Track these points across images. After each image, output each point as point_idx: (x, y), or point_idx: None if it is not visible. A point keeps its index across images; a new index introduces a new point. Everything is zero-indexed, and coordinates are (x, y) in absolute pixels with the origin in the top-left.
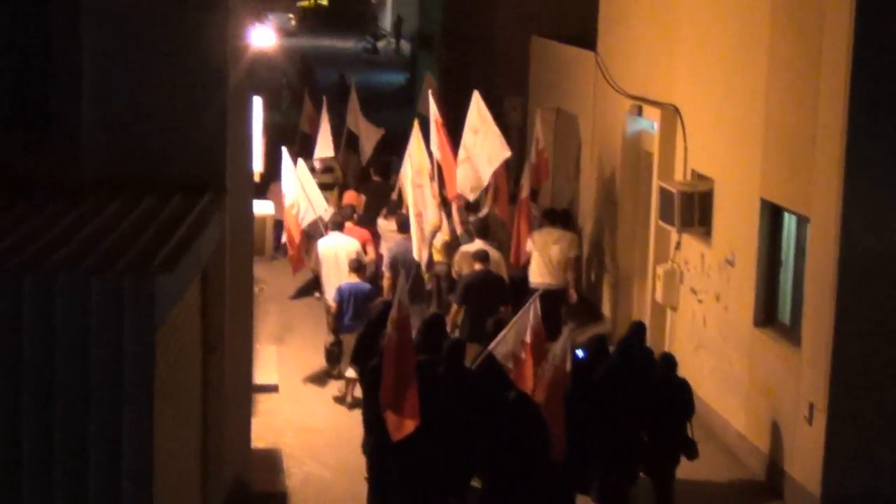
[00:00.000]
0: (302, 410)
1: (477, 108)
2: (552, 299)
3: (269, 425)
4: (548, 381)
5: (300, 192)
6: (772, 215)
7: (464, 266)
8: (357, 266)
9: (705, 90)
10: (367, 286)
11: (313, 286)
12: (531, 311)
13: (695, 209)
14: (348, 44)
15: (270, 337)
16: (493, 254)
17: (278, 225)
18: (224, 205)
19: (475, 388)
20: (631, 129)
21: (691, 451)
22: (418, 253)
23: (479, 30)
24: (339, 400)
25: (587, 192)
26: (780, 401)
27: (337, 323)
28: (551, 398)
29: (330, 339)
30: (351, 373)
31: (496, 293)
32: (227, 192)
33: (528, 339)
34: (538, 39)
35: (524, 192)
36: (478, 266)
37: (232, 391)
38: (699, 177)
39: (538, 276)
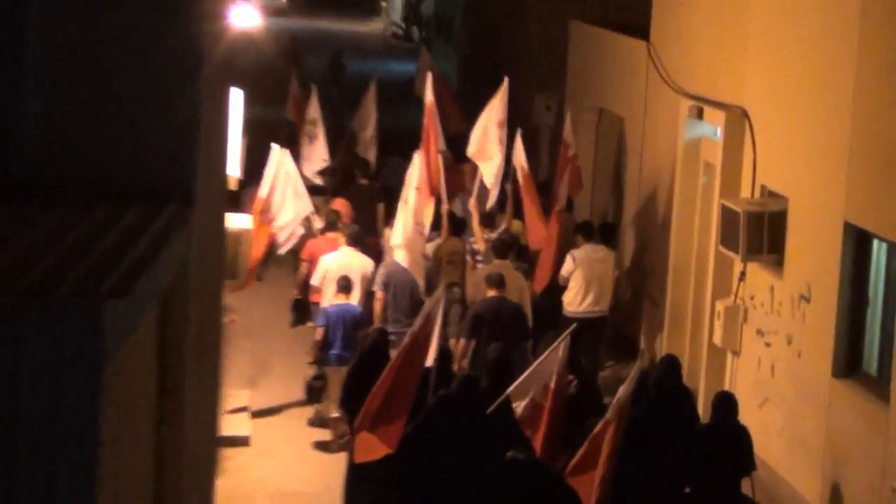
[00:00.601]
0: (278, 469)
1: (500, 98)
2: (596, 328)
3: (237, 487)
4: (614, 430)
5: (281, 189)
6: (858, 242)
7: (478, 292)
8: (345, 285)
9: (781, 91)
10: (356, 309)
11: (305, 312)
12: (560, 351)
13: (764, 233)
14: (351, 25)
15: (242, 379)
16: (514, 278)
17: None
18: (191, 218)
19: (484, 437)
20: (689, 134)
21: None
22: (410, 265)
23: (507, 13)
24: (323, 446)
25: (632, 207)
26: (863, 468)
27: (322, 353)
28: (612, 450)
29: (311, 371)
30: (335, 412)
31: (513, 326)
32: (195, 202)
33: (553, 384)
34: (578, 25)
35: (559, 205)
36: (491, 293)
37: (193, 444)
38: (770, 194)
39: (581, 303)
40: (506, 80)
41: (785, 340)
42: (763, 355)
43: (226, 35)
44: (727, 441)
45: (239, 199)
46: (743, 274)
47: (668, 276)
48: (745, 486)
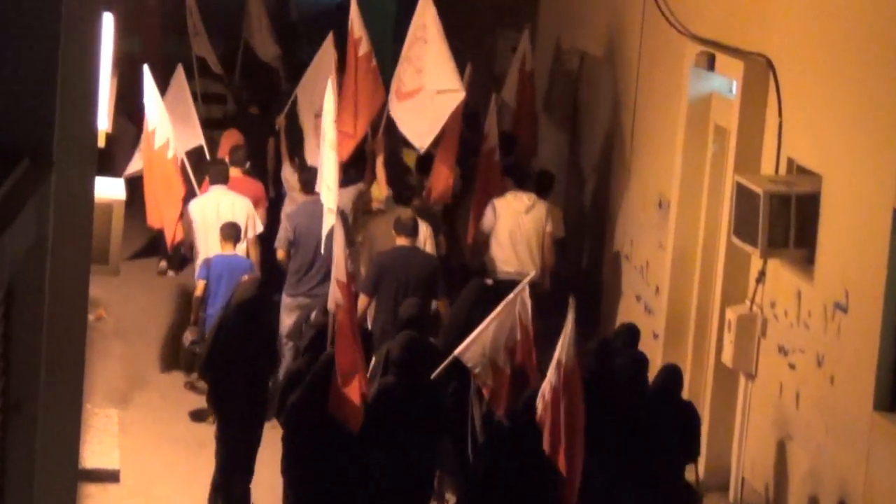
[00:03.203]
0: None
1: (425, 16)
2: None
3: None
4: (556, 396)
5: (175, 112)
6: None
7: (376, 245)
8: (232, 232)
9: (817, 36)
10: (246, 261)
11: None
12: (517, 305)
13: (791, 221)
14: None
15: (111, 394)
16: (423, 227)
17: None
18: (48, 183)
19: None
20: (696, 89)
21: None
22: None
23: None
24: (199, 416)
25: (621, 181)
26: None
27: (203, 312)
28: (567, 418)
29: (190, 334)
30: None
31: (425, 280)
32: (53, 163)
33: (513, 343)
34: None
35: (489, 143)
36: (401, 241)
37: (46, 477)
38: (800, 171)
39: (502, 260)
40: None
41: (814, 361)
42: (786, 380)
43: None
44: (671, 420)
45: (109, 157)
46: (762, 274)
47: (665, 274)
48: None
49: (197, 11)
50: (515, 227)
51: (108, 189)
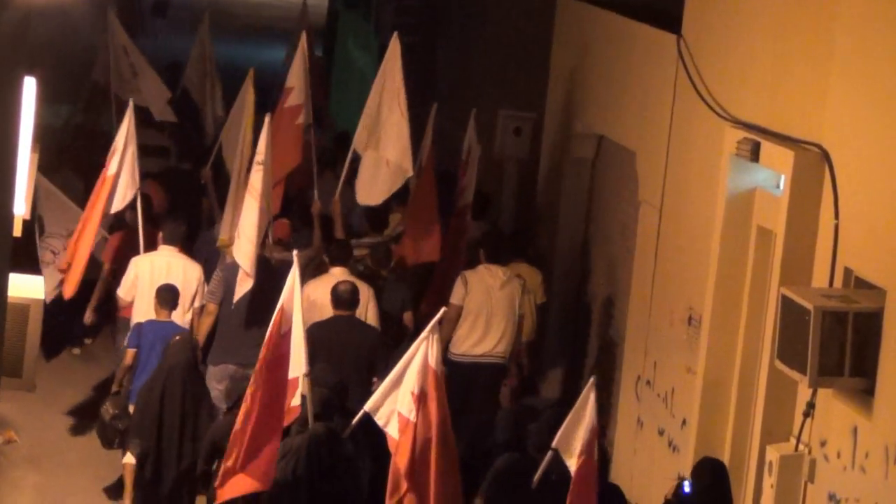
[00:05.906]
0: None
1: (392, 60)
2: (488, 377)
3: None
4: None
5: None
6: None
7: (319, 308)
8: (169, 297)
9: (882, 124)
10: (183, 329)
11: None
12: (427, 348)
13: (847, 344)
14: None
15: None
16: (364, 289)
17: None
18: None
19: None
20: (736, 184)
21: None
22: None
23: None
24: (112, 493)
25: (642, 290)
26: None
27: (130, 384)
28: None
29: (111, 407)
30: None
31: (364, 356)
32: None
33: (419, 389)
34: (571, 4)
35: (462, 200)
36: (338, 311)
37: None
38: (859, 284)
39: (474, 341)
40: (396, 36)
41: None
42: None
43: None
44: None
45: (31, 244)
46: (811, 406)
47: (694, 404)
48: None
49: (135, 49)
50: (488, 303)
51: (25, 287)
